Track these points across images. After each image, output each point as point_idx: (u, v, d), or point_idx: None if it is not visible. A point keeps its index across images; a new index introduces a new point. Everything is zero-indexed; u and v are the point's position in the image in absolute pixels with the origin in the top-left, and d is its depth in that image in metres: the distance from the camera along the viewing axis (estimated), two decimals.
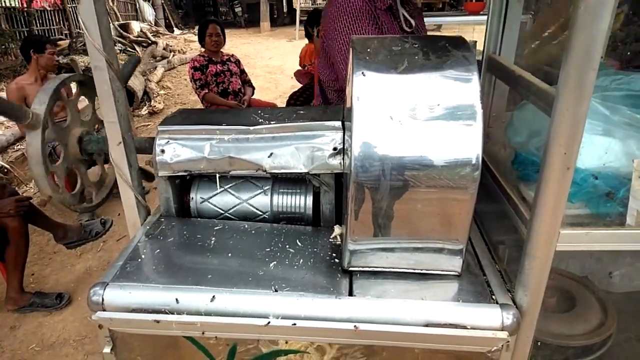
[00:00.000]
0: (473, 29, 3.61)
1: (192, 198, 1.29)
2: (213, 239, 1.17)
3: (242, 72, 4.83)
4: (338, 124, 1.18)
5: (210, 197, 1.27)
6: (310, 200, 1.26)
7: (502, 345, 0.93)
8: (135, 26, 12.01)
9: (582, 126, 0.78)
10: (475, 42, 3.71)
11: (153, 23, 13.96)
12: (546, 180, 0.85)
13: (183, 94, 8.41)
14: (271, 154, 1.18)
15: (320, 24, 1.79)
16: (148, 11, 14.11)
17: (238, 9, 19.32)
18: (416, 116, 0.93)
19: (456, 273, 1.03)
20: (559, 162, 0.82)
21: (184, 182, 1.31)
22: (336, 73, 1.66)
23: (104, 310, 1.00)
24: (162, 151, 1.20)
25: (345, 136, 1.14)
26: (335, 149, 1.16)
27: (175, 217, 1.28)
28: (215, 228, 1.21)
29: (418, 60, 1.01)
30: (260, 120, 1.23)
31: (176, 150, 1.20)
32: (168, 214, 1.28)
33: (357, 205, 0.96)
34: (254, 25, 17.59)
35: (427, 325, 0.93)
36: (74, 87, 1.33)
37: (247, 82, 4.85)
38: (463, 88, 0.95)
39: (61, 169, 1.26)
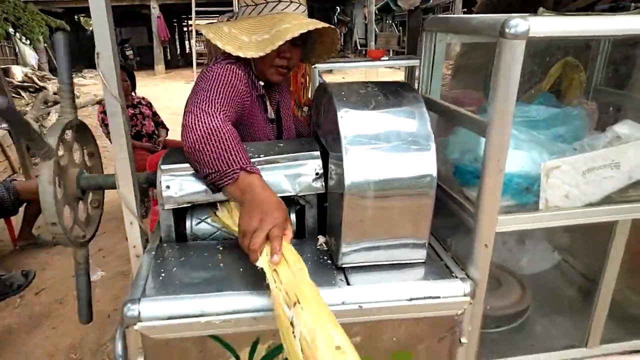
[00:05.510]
0: (377, 73, 4.13)
1: (188, 223, 1.45)
2: (219, 255, 1.35)
3: (155, 114, 4.91)
4: (317, 153, 1.45)
5: (206, 218, 1.45)
6: (293, 216, 1.49)
7: (465, 308, 1.24)
8: (17, 71, 11.23)
9: (507, 143, 1.15)
10: None
11: (36, 67, 13.13)
12: (486, 181, 1.20)
13: None
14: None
15: None
16: (30, 55, 13.25)
17: (129, 52, 18.86)
18: (388, 143, 1.24)
19: (422, 261, 1.34)
20: (494, 168, 1.17)
21: (180, 211, 1.47)
22: None
23: (141, 321, 1.13)
24: (168, 187, 1.36)
25: (329, 163, 1.39)
26: (317, 173, 1.42)
27: (175, 242, 1.43)
28: (218, 247, 1.39)
29: (381, 100, 1.32)
30: (249, 155, 1.45)
31: (181, 185, 1.37)
32: (168, 239, 1.43)
33: (349, 214, 1.23)
34: (147, 68, 17.29)
35: (411, 299, 1.21)
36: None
37: (160, 124, 4.93)
38: (418, 120, 1.28)
39: (61, 205, 1.35)
